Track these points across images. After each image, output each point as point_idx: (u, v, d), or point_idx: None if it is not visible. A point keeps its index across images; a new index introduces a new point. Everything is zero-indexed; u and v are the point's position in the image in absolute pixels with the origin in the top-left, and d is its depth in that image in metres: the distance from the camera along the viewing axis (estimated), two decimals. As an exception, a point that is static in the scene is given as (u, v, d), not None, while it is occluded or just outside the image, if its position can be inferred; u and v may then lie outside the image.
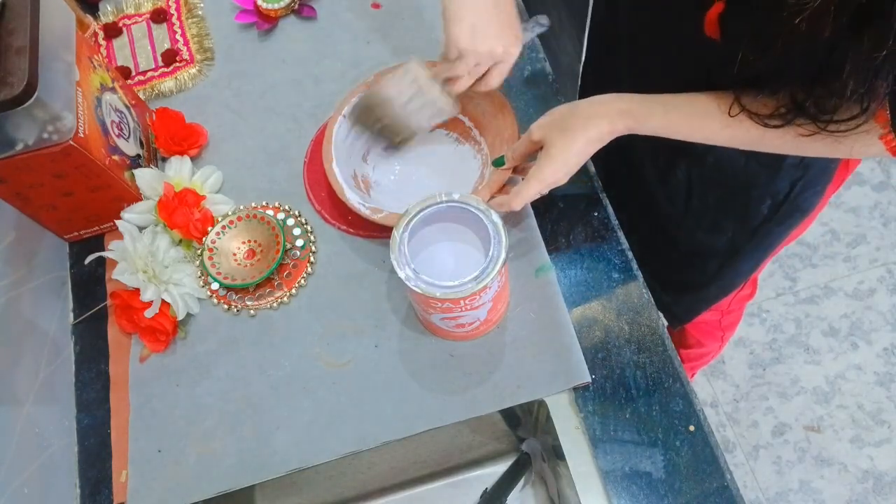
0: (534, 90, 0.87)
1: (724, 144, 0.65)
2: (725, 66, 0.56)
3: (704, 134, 0.65)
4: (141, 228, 0.78)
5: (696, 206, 0.87)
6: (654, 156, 0.86)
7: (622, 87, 0.67)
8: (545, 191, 0.69)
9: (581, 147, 0.66)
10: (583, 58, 1.02)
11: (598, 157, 0.70)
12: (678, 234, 0.94)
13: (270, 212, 0.82)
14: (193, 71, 0.93)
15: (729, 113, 0.61)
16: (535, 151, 0.70)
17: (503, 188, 0.74)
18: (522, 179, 0.69)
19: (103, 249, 0.81)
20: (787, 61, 0.53)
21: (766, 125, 0.59)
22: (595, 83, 1.00)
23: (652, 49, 0.74)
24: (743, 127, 0.62)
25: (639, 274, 0.76)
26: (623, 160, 0.89)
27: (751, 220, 0.85)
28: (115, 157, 0.76)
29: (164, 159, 0.86)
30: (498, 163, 0.74)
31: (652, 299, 0.74)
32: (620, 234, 0.78)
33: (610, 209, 0.80)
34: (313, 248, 0.80)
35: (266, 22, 0.95)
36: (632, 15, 0.78)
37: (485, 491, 0.82)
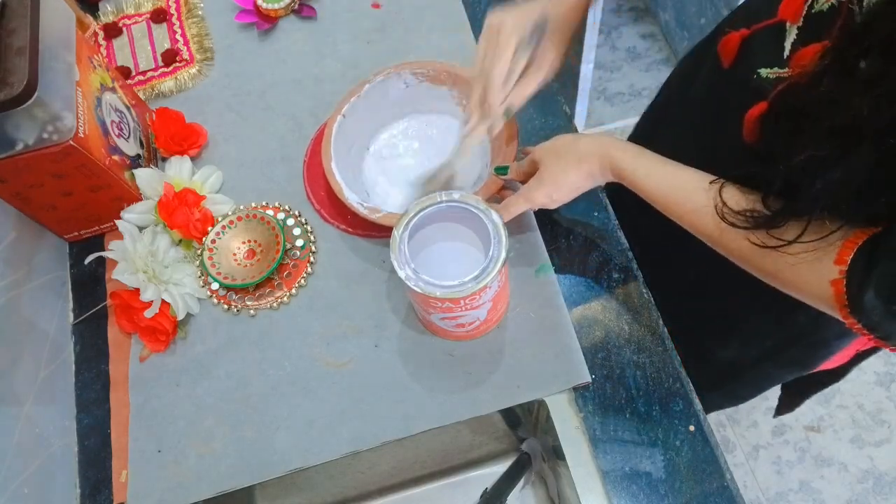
0: (534, 90, 0.87)
1: (686, 227, 0.62)
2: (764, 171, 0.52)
3: (671, 209, 0.62)
4: (141, 228, 0.78)
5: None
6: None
7: None
8: (532, 209, 0.70)
9: (573, 181, 0.66)
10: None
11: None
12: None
13: (270, 212, 0.82)
14: (193, 71, 0.93)
15: (711, 187, 0.58)
16: (535, 171, 0.71)
17: (501, 190, 0.75)
18: (521, 184, 0.70)
19: (103, 249, 0.81)
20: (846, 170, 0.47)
21: (724, 219, 0.56)
22: None
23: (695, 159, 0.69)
24: (706, 216, 0.58)
25: (639, 274, 0.76)
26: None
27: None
28: (115, 157, 0.76)
29: (164, 159, 0.86)
30: (501, 171, 0.74)
31: (652, 299, 0.74)
32: (621, 234, 0.78)
33: (610, 209, 0.80)
34: (313, 248, 0.80)
35: (266, 22, 0.96)
36: (676, 131, 0.78)
37: (485, 491, 0.82)
